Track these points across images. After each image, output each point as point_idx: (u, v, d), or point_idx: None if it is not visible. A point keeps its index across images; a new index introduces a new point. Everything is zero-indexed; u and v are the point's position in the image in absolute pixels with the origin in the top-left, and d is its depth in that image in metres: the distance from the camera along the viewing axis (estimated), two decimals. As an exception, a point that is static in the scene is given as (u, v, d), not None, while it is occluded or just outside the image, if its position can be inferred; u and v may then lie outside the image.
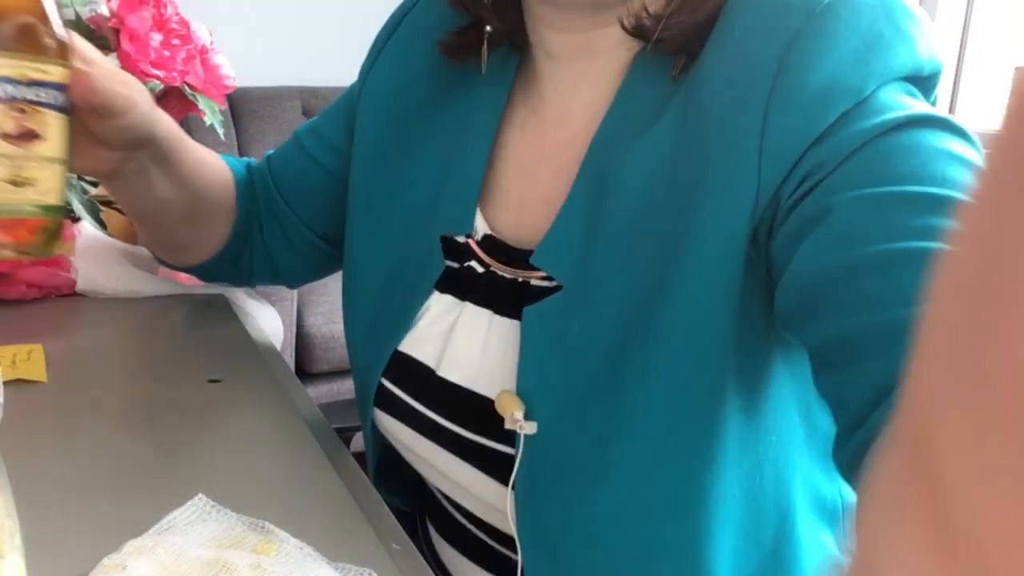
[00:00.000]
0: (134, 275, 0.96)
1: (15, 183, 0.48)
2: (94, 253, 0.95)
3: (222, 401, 0.69)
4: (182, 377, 0.73)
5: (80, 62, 0.58)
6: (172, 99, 1.04)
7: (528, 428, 0.57)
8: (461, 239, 0.66)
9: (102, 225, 0.96)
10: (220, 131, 1.02)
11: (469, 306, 0.64)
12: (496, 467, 0.61)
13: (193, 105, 1.02)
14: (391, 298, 0.69)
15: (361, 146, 0.74)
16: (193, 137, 0.79)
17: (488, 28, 0.65)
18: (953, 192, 0.45)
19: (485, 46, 0.66)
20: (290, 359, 2.24)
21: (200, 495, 0.53)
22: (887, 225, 0.45)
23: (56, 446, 0.60)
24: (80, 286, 0.92)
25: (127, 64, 0.90)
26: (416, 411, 0.66)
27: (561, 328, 0.57)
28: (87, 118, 0.62)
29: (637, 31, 0.57)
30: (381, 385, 0.69)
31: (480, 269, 0.64)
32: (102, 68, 0.60)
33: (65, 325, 0.86)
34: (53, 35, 0.52)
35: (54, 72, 0.52)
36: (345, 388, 2.29)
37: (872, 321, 0.44)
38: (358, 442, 1.65)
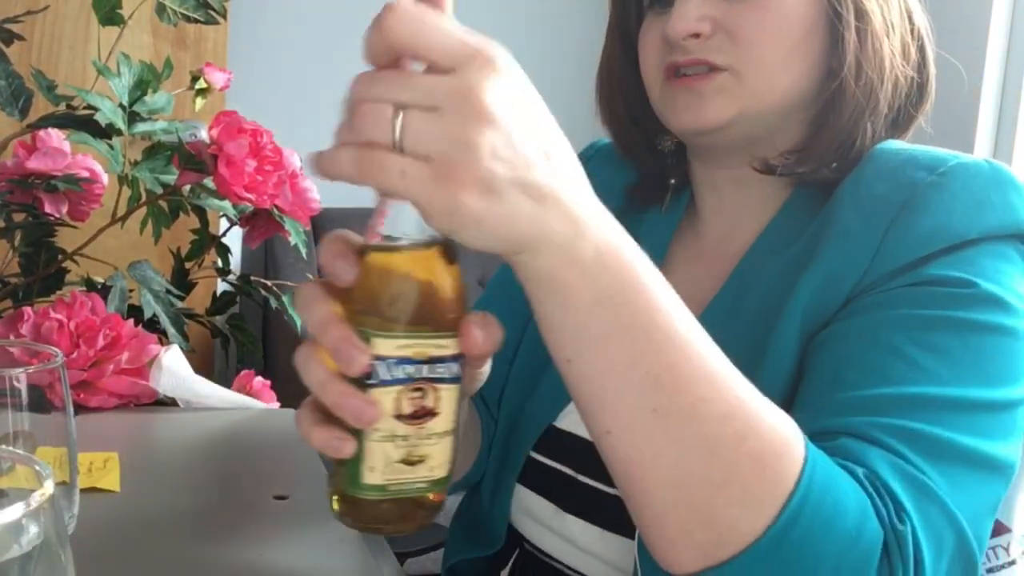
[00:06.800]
0: (211, 388, 0.98)
1: (408, 463, 0.47)
2: (175, 366, 0.98)
3: (286, 518, 0.69)
4: (250, 492, 0.74)
5: (477, 326, 0.48)
6: (260, 220, 1.09)
7: None
8: None
9: (185, 338, 0.99)
10: (303, 251, 1.06)
11: None
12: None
13: (279, 226, 1.07)
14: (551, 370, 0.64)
15: None
16: (276, 255, 0.82)
17: (672, 180, 0.78)
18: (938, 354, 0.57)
19: (670, 194, 0.79)
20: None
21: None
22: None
23: (124, 556, 0.61)
24: (163, 391, 0.94)
25: (222, 187, 0.95)
26: (571, 479, 0.71)
27: None
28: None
29: (765, 168, 0.69)
30: (530, 458, 0.73)
31: None
32: (494, 326, 0.49)
33: (141, 434, 0.89)
34: (454, 307, 0.47)
35: (451, 345, 0.47)
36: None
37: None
38: (414, 566, 1.62)
